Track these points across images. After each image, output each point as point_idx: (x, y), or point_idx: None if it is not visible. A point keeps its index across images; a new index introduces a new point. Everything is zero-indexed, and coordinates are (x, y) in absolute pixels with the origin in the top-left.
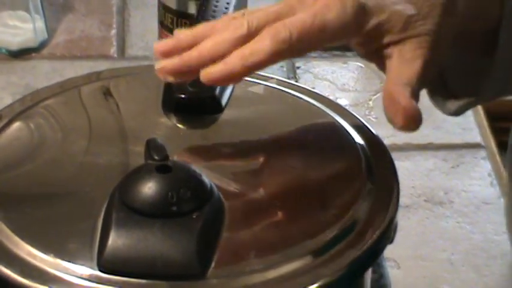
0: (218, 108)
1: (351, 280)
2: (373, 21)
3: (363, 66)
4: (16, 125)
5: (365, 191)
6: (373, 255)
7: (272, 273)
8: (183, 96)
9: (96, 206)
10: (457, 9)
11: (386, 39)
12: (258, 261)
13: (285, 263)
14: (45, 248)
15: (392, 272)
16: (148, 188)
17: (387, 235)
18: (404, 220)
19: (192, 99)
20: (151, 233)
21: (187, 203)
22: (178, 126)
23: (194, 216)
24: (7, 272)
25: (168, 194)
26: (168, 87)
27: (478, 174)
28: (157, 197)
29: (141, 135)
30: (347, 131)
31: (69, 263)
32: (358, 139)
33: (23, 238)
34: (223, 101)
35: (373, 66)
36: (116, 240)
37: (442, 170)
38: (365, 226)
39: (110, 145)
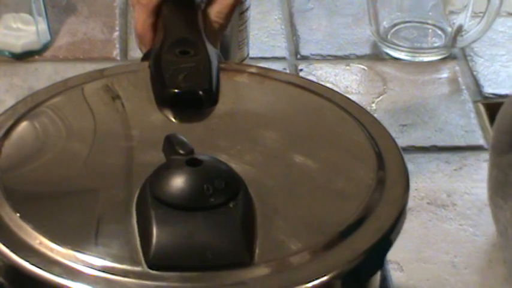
0: (213, 100)
1: (377, 262)
2: None
3: (366, 68)
4: (23, 125)
5: (376, 179)
6: (388, 242)
7: (313, 254)
8: (177, 90)
9: (122, 204)
10: None
11: None
12: (297, 243)
13: (320, 244)
14: (89, 251)
15: (395, 274)
16: (183, 182)
17: (400, 224)
18: (407, 223)
19: (188, 93)
20: (195, 226)
21: (223, 193)
22: (182, 121)
23: (231, 206)
24: (31, 268)
25: (203, 187)
26: (160, 82)
27: (481, 176)
28: (194, 191)
29: (146, 131)
30: (354, 122)
31: (116, 264)
32: (365, 129)
33: (64, 245)
34: (217, 92)
35: (376, 68)
36: (160, 236)
37: (444, 172)
38: (380, 212)
39: (116, 142)
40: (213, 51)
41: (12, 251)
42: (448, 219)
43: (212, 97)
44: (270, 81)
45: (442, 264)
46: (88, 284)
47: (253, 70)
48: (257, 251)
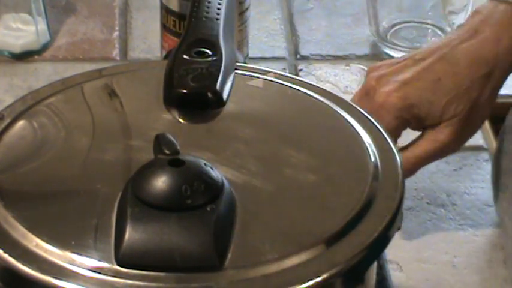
0: (220, 103)
1: (363, 267)
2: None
3: (365, 68)
4: (19, 124)
5: (371, 180)
6: (383, 242)
7: (287, 263)
8: (185, 91)
9: (108, 202)
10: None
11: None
12: (272, 251)
13: (298, 252)
14: (62, 245)
15: (394, 274)
16: (163, 182)
17: (396, 222)
18: (406, 222)
19: (194, 94)
20: (167, 226)
21: (201, 195)
22: (181, 121)
23: (208, 209)
24: (26, 269)
25: (182, 188)
26: (169, 82)
27: (481, 176)
28: (171, 191)
29: (145, 131)
30: (349, 122)
31: (86, 258)
32: (360, 129)
33: (38, 235)
34: (225, 95)
35: None
36: (132, 234)
37: (444, 172)
38: (374, 214)
39: (115, 141)
40: (232, 54)
41: (6, 253)
42: (448, 219)
43: (218, 99)
44: (286, 88)
45: (442, 264)
46: (84, 285)
47: (273, 77)
48: (229, 256)
